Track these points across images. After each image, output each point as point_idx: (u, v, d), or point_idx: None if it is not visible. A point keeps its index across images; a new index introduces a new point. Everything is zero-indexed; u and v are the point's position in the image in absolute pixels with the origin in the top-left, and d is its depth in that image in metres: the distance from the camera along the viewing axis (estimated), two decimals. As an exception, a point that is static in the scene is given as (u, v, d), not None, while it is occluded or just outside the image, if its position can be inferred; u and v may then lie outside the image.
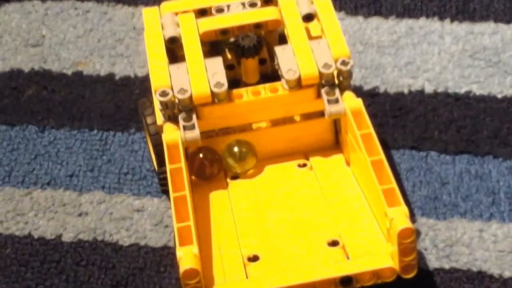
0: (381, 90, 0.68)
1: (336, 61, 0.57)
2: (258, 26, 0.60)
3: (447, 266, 0.56)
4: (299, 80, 0.57)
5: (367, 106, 0.57)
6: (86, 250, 0.59)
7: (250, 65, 0.60)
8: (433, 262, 0.56)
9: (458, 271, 0.56)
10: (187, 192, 0.52)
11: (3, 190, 0.63)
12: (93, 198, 0.62)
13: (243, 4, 0.62)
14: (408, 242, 0.49)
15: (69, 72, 0.71)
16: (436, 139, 0.64)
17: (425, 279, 0.55)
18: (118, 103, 0.69)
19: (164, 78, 0.57)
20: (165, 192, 0.61)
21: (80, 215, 0.61)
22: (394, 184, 0.51)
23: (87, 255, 0.58)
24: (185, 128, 0.56)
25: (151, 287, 0.56)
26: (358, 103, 0.56)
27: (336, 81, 0.57)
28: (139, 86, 0.70)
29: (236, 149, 0.58)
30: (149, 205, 0.61)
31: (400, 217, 0.49)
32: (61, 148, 0.66)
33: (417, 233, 0.58)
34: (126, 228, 0.60)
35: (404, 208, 0.50)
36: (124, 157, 0.65)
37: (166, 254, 0.58)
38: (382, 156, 0.53)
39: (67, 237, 0.60)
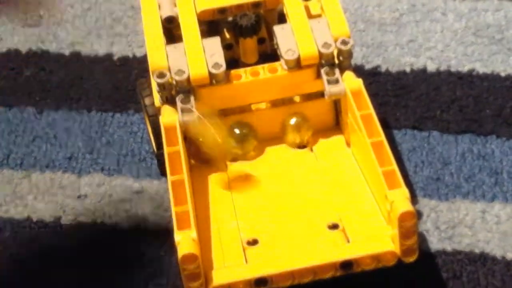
0: (383, 69, 0.67)
1: (336, 41, 0.56)
2: (256, 5, 0.59)
3: (449, 248, 0.56)
4: (298, 60, 0.56)
5: (368, 85, 0.56)
6: (85, 233, 0.58)
7: (249, 45, 0.60)
8: (435, 244, 0.56)
9: (460, 253, 0.55)
10: (185, 175, 0.52)
11: (2, 173, 0.63)
12: (92, 181, 0.62)
13: (242, -17, 0.61)
14: (409, 225, 0.48)
15: (67, 53, 0.71)
16: (438, 118, 0.63)
17: (427, 261, 0.55)
18: (116, 83, 0.68)
19: (162, 59, 0.56)
20: (165, 174, 0.60)
21: (79, 197, 0.61)
22: (394, 166, 0.51)
23: (86, 238, 0.58)
24: (183, 110, 0.55)
25: (151, 271, 0.56)
26: (358, 83, 0.55)
27: (336, 61, 0.57)
28: (137, 66, 0.69)
29: (236, 131, 0.57)
30: (149, 188, 0.61)
31: (400, 199, 0.49)
32: (60, 130, 0.65)
33: (419, 214, 0.57)
34: (125, 211, 0.60)
35: (405, 191, 0.49)
36: (123, 139, 0.64)
37: (167, 238, 0.57)
38: (382, 137, 0.52)
39: (66, 219, 0.60)
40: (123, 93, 0.67)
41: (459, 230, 0.56)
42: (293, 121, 0.57)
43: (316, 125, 0.58)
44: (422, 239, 0.56)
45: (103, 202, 0.60)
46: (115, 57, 0.70)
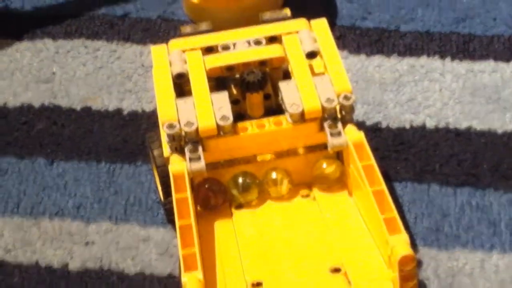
0: (383, 125, 0.69)
1: (338, 96, 0.58)
2: (262, 63, 0.62)
3: (449, 297, 0.57)
4: (302, 114, 0.58)
5: (370, 141, 0.58)
6: (92, 279, 0.59)
7: (255, 100, 0.62)
8: (435, 292, 0.57)
9: (460, 301, 0.56)
10: (192, 220, 0.53)
11: (12, 220, 0.64)
12: (100, 228, 0.63)
13: (249, 42, 0.63)
14: (409, 269, 0.49)
15: (78, 108, 0.73)
16: (438, 172, 0.65)
17: (428, 309, 0.56)
18: (125, 137, 0.70)
19: (171, 112, 0.58)
20: (171, 222, 0.62)
21: (87, 244, 0.62)
22: (395, 213, 0.52)
23: (93, 284, 0.59)
24: (191, 159, 0.57)
25: (156, 315, 0.57)
26: (360, 135, 0.58)
27: (339, 115, 0.59)
28: (146, 121, 0.71)
29: (240, 180, 0.59)
30: (155, 235, 0.62)
31: (401, 244, 0.50)
32: (69, 180, 0.67)
33: (419, 263, 0.58)
34: (132, 257, 0.61)
35: (405, 236, 0.51)
36: (130, 189, 0.66)
37: (171, 283, 0.58)
38: (383, 186, 0.54)
39: (74, 266, 0.61)
40: (131, 146, 0.69)
41: (458, 279, 0.57)
42: (273, 175, 0.59)
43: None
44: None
45: (110, 249, 0.61)
46: (125, 112, 0.72)
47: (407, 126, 0.68)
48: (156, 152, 0.61)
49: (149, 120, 0.71)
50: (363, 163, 0.56)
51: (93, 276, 0.60)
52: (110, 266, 0.60)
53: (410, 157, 0.66)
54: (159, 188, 0.63)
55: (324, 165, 0.59)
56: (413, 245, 0.59)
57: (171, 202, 0.57)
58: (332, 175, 0.59)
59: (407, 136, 0.68)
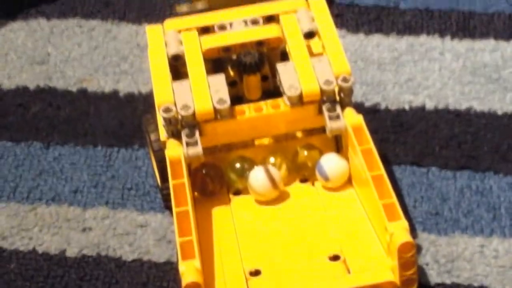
0: (382, 106, 0.68)
1: (337, 78, 0.57)
2: (260, 43, 0.61)
3: (448, 282, 0.56)
4: (300, 96, 0.57)
5: (368, 122, 0.57)
6: (89, 265, 0.59)
7: (252, 82, 0.61)
8: (434, 277, 0.56)
9: (459, 286, 0.56)
10: (189, 207, 0.53)
11: (8, 206, 0.64)
12: (97, 214, 0.63)
13: (245, 22, 0.62)
14: (409, 256, 0.49)
15: (74, 89, 0.72)
16: (437, 155, 0.64)
17: (426, 294, 0.56)
18: (122, 119, 0.69)
19: (168, 95, 0.58)
20: (168, 207, 0.61)
21: (84, 230, 0.62)
22: (394, 199, 0.52)
23: (91, 270, 0.59)
24: (188, 144, 0.56)
25: (154, 302, 0.57)
26: (359, 119, 0.57)
27: (337, 98, 0.58)
28: (143, 103, 0.70)
29: (238, 165, 0.58)
30: (152, 221, 0.62)
31: (400, 231, 0.50)
32: (66, 164, 0.66)
33: (418, 248, 0.58)
34: (129, 244, 0.60)
35: (404, 222, 0.50)
36: (128, 173, 0.65)
37: (169, 269, 0.58)
38: (382, 171, 0.53)
39: (71, 252, 0.60)
40: (128, 129, 0.69)
41: (458, 264, 0.57)
42: (272, 160, 0.58)
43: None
44: (421, 273, 0.56)
45: (107, 235, 0.61)
46: (121, 94, 0.71)
47: (406, 107, 0.68)
48: (152, 136, 0.61)
49: (146, 101, 0.70)
50: (362, 147, 0.55)
51: (90, 262, 0.59)
52: (108, 253, 0.60)
53: (409, 140, 0.65)
54: (156, 172, 0.62)
55: (305, 153, 0.58)
56: (412, 230, 0.58)
57: (168, 188, 0.56)
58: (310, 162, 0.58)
59: (406, 118, 0.67)
